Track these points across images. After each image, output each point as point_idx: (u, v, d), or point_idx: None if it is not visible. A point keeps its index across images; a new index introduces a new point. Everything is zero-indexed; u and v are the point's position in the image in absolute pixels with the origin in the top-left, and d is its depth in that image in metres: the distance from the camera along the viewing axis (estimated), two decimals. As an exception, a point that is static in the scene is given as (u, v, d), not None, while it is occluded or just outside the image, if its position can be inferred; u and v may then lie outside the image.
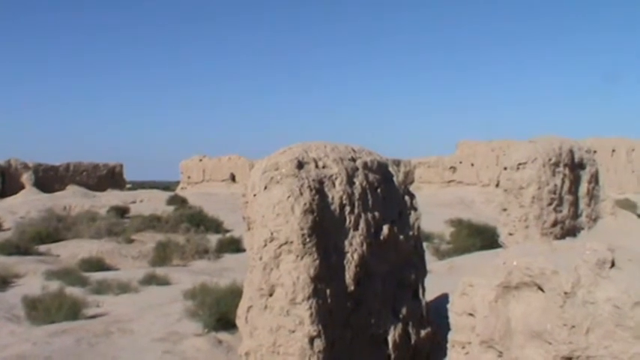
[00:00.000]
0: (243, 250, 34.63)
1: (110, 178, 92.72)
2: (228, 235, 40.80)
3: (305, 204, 9.27)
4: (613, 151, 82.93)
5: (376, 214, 10.90)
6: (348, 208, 10.17)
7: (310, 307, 8.95)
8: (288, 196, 9.25)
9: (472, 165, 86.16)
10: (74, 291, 21.60)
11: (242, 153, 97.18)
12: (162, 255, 32.81)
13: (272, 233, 9.20)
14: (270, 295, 9.15)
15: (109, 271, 29.62)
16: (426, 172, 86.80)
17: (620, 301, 6.44)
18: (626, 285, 6.58)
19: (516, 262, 7.38)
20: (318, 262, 9.18)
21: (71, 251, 35.28)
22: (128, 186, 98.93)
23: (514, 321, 7.27)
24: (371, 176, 11.04)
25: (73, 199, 62.36)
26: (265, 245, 9.23)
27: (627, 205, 41.57)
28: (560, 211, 18.64)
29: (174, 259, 32.39)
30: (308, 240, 9.15)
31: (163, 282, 24.70)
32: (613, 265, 7.01)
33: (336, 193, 10.03)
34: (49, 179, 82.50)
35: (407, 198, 12.45)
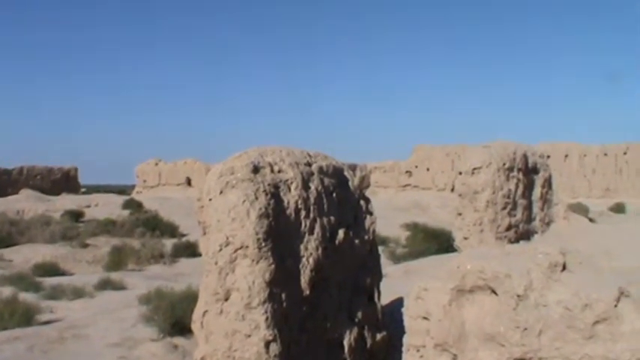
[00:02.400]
0: (199, 255, 34.42)
1: (64, 181, 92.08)
2: (183, 239, 40.68)
3: (260, 208, 9.27)
4: (566, 156, 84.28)
5: (332, 218, 10.93)
6: (303, 213, 10.19)
7: (266, 312, 8.94)
8: (244, 201, 9.24)
9: (428, 169, 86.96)
10: (27, 296, 21.37)
11: (198, 157, 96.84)
12: (118, 260, 32.60)
13: (227, 238, 9.18)
14: (226, 299, 9.13)
15: (64, 276, 29.33)
16: (381, 176, 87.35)
17: (571, 303, 6.54)
18: (576, 287, 6.68)
19: (470, 265, 7.46)
20: (273, 266, 9.18)
21: (25, 256, 34.90)
22: (83, 190, 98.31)
23: (468, 324, 7.35)
24: (326, 181, 11.07)
25: (26, 203, 61.54)
26: (221, 250, 9.20)
27: (579, 209, 42.14)
28: (514, 216, 18.84)
29: (130, 264, 32.21)
30: (263, 244, 9.15)
31: (118, 287, 24.54)
32: (564, 268, 7.12)
33: (291, 198, 10.04)
34: (1, 183, 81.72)
35: (362, 202, 12.51)
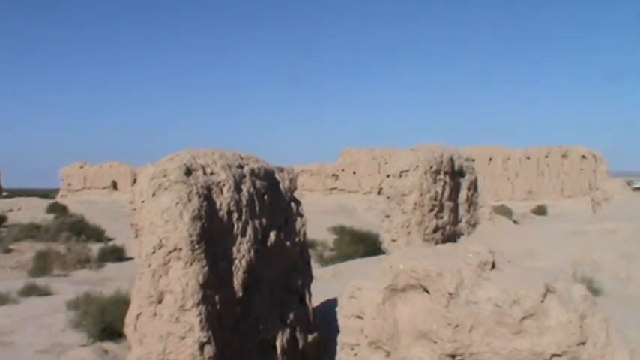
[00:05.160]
0: (126, 259, 34.19)
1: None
2: (110, 243, 40.11)
3: (193, 211, 9.27)
4: (490, 159, 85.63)
5: (263, 220, 11.00)
6: (235, 215, 10.23)
7: (200, 314, 8.95)
8: (177, 203, 9.22)
9: (354, 173, 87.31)
10: (-52, 304, 20.87)
11: (124, 160, 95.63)
12: (43, 265, 31.92)
13: (161, 240, 9.15)
14: (160, 301, 9.09)
15: (-14, 283, 28.68)
16: (308, 179, 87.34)
17: (500, 299, 6.74)
18: (505, 285, 6.89)
19: (403, 265, 7.61)
20: (206, 268, 9.19)
21: (-56, 262, 34.06)
22: (5, 194, 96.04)
23: (401, 322, 7.49)
24: (258, 183, 11.14)
25: (-54, 208, 60.11)
26: (154, 252, 9.16)
27: (503, 211, 42.89)
28: (441, 218, 19.17)
29: (55, 269, 31.56)
30: (197, 246, 9.16)
31: (44, 292, 24.04)
32: (493, 266, 7.33)
33: (224, 200, 10.07)
34: None
35: (293, 205, 12.61)
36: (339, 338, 8.14)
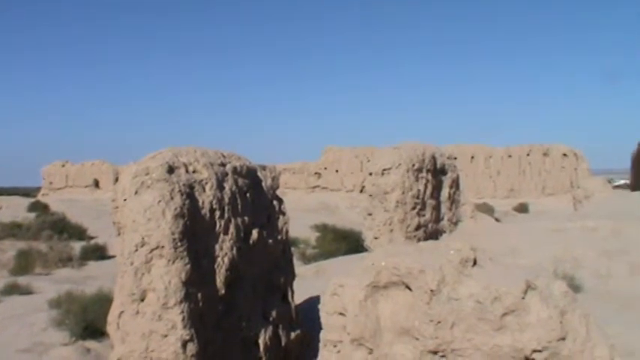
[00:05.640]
0: (108, 257, 34.06)
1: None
2: (92, 242, 39.94)
3: (176, 208, 9.28)
4: (472, 157, 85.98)
5: (246, 218, 11.02)
6: (218, 213, 10.24)
7: (182, 312, 8.96)
8: (159, 201, 9.23)
9: (337, 171, 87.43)
10: None
11: (106, 158, 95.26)
12: (24, 264, 31.71)
13: (143, 238, 9.16)
14: (142, 300, 9.10)
15: (-34, 282, 28.50)
16: (290, 177, 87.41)
17: (482, 296, 6.78)
18: (486, 281, 6.93)
19: (385, 262, 7.63)
20: (189, 266, 9.20)
21: None
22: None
23: (383, 319, 7.52)
24: (240, 181, 11.15)
25: None
26: (136, 250, 9.16)
27: (485, 209, 43.05)
28: (424, 215, 19.24)
29: (37, 268, 31.38)
30: (179, 244, 9.17)
31: (26, 291, 23.92)
32: (475, 263, 7.37)
33: (206, 198, 10.08)
34: None
35: (275, 203, 12.64)
36: (322, 335, 8.15)
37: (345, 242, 34.18)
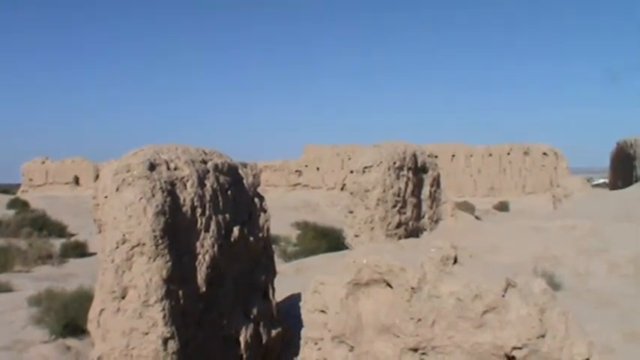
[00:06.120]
0: (89, 255, 33.87)
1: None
2: (72, 239, 39.69)
3: (157, 206, 9.24)
4: (453, 156, 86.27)
5: (227, 215, 11.00)
6: (199, 210, 10.21)
7: (163, 309, 8.93)
8: (140, 198, 9.19)
9: (318, 169, 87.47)
10: None
11: (86, 155, 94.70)
12: (3, 261, 31.43)
13: (124, 235, 9.11)
14: (123, 297, 9.05)
15: (-56, 279, 28.27)
16: (271, 175, 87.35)
17: (462, 294, 6.83)
18: (467, 279, 6.98)
19: (366, 260, 7.67)
20: (170, 263, 9.17)
21: None
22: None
23: (364, 316, 7.56)
24: (222, 178, 11.13)
25: None
26: (117, 247, 9.12)
27: (466, 207, 43.20)
28: (404, 213, 19.28)
29: (16, 265, 31.14)
30: (160, 242, 9.13)
31: (5, 289, 23.73)
32: (456, 261, 7.42)
33: (187, 195, 10.05)
34: None
35: (257, 200, 12.62)
36: (303, 333, 8.19)
37: (326, 240, 34.13)
